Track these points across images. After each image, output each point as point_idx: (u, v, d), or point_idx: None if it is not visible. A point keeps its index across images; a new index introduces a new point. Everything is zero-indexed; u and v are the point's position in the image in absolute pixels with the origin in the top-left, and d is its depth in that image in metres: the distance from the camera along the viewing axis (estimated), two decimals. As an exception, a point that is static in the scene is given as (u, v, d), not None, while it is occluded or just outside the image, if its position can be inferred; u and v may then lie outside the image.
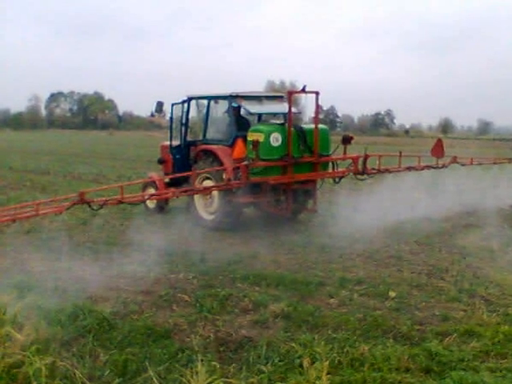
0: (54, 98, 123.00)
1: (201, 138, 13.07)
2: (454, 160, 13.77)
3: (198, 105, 14.02)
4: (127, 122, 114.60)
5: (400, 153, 12.79)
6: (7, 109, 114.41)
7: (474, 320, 6.55)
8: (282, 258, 9.70)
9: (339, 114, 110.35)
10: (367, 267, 9.07)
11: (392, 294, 7.54)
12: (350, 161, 12.29)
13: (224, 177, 11.10)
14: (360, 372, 5.12)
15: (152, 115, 15.03)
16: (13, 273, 8.14)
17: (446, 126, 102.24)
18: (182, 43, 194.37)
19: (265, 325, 6.42)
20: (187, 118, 13.27)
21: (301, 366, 5.13)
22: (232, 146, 11.91)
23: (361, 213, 12.81)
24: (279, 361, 5.38)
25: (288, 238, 11.13)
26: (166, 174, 13.59)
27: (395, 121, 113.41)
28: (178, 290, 7.66)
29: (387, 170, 12.93)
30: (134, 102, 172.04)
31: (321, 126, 11.81)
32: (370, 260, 9.56)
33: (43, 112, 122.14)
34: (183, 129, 13.34)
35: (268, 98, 13.00)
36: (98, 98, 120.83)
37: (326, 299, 7.39)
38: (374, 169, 12.45)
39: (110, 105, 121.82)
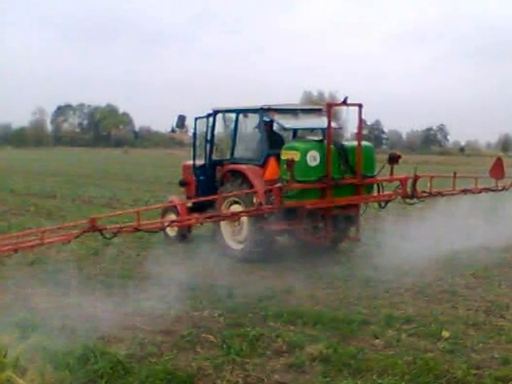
0: (62, 111, 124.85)
1: (228, 156, 13.14)
2: (516, 182, 13.66)
3: (224, 119, 14.02)
4: (144, 139, 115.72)
5: (454, 173, 12.72)
6: (8, 123, 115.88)
7: (538, 364, 6.52)
8: (320, 292, 9.73)
9: (385, 130, 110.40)
10: (417, 303, 9.07)
11: (445, 333, 7.51)
12: (398, 183, 12.24)
13: (254, 201, 11.14)
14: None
15: (173, 131, 15.27)
16: (15, 310, 8.19)
17: (506, 144, 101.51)
18: (206, 49, 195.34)
19: (301, 369, 6.46)
20: (212, 134, 13.38)
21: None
22: (263, 165, 11.97)
23: (410, 242, 12.75)
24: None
25: (327, 271, 11.15)
26: (189, 197, 13.71)
27: (449, 137, 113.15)
28: (202, 330, 7.71)
29: (440, 193, 12.88)
30: (152, 115, 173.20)
31: (364, 143, 11.85)
32: (421, 295, 9.55)
33: (49, 127, 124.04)
34: (208, 146, 13.42)
35: (304, 111, 13.06)
36: (111, 112, 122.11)
37: (370, 340, 7.40)
38: (424, 192, 12.39)
39: (125, 119, 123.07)
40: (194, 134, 13.84)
